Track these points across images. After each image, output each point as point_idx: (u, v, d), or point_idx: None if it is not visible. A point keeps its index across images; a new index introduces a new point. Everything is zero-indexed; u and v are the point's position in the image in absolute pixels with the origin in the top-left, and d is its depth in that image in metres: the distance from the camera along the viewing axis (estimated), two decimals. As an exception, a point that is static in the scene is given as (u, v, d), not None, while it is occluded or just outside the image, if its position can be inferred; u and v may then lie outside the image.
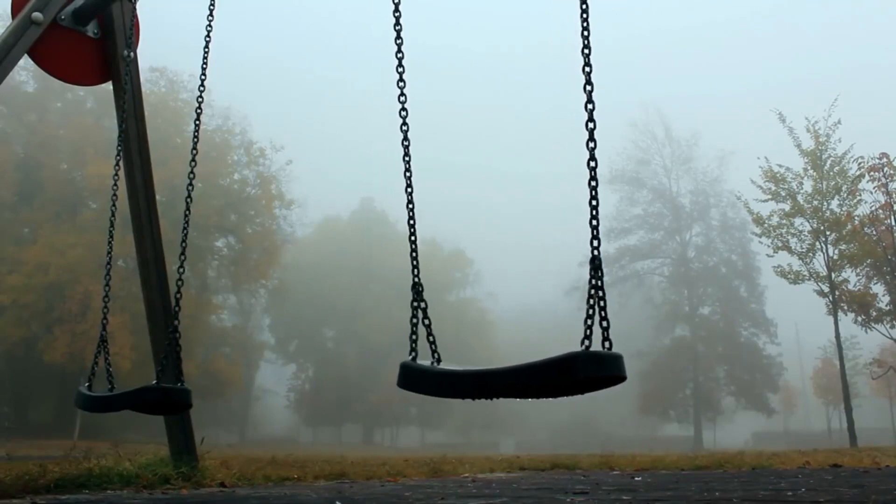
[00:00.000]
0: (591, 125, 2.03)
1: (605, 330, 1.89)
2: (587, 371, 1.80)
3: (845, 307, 21.29)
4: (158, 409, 3.73)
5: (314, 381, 57.21)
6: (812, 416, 62.47)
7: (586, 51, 2.08)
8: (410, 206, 2.47)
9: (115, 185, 4.04)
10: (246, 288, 42.20)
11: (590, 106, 2.05)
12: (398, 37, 2.60)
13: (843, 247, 21.28)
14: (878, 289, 21.57)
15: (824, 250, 21.20)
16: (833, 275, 21.03)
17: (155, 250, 4.47)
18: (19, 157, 33.15)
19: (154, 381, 3.50)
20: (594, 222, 1.96)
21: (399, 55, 2.58)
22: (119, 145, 4.26)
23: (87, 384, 3.66)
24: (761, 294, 47.05)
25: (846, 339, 26.45)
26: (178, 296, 3.48)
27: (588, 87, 2.06)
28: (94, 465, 4.11)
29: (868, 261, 21.20)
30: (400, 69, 2.57)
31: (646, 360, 45.20)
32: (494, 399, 2.05)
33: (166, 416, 4.42)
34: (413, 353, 2.25)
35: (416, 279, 2.36)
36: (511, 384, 1.94)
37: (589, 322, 1.88)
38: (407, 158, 2.52)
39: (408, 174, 2.51)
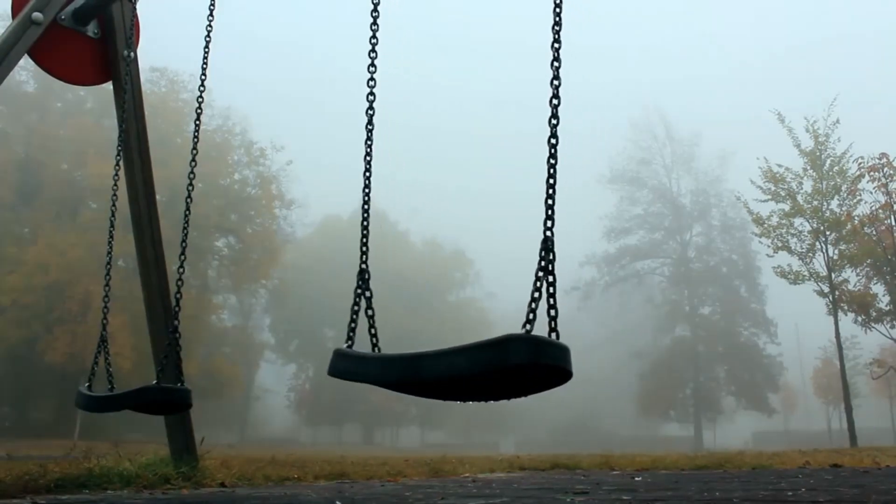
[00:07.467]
0: (555, 101, 1.97)
1: (553, 319, 1.72)
2: (521, 355, 1.59)
3: (845, 307, 21.27)
4: (158, 409, 3.74)
5: (314, 381, 57.15)
6: (812, 416, 62.44)
7: (556, 28, 2.03)
8: (367, 190, 2.45)
9: (115, 185, 4.05)
10: (246, 288, 42.22)
11: (556, 82, 1.98)
12: (374, 23, 2.56)
13: (843, 247, 21.27)
14: (878, 289, 21.57)
15: (824, 250, 21.18)
16: (833, 275, 21.02)
17: (155, 250, 4.47)
18: (19, 157, 33.13)
19: (154, 381, 3.51)
20: (549, 202, 1.87)
21: (373, 41, 2.55)
22: (119, 145, 4.27)
23: (87, 384, 3.67)
24: (761, 294, 47.10)
25: (846, 339, 26.43)
26: (179, 296, 3.48)
27: (556, 64, 1.99)
28: (94, 465, 4.11)
29: (868, 261, 21.19)
30: (372, 54, 2.54)
31: (646, 360, 45.24)
32: (445, 399, 1.93)
33: (166, 416, 4.42)
34: (349, 342, 2.16)
35: (364, 265, 2.27)
36: (443, 369, 1.74)
37: (533, 305, 1.70)
38: (369, 143, 2.50)
39: (368, 158, 2.48)
